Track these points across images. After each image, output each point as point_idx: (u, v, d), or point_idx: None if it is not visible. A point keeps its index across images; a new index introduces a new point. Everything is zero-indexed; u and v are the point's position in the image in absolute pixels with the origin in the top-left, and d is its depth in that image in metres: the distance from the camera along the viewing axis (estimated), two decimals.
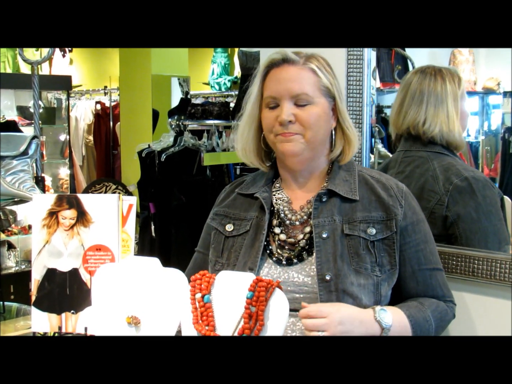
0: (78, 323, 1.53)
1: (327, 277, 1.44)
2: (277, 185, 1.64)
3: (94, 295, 1.40)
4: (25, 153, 1.82)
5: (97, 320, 1.39)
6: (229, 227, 1.60)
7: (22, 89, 5.58)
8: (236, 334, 1.21)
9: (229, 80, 7.20)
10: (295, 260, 1.51)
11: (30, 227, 5.03)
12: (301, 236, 1.53)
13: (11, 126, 4.72)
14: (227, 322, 1.25)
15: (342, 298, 1.43)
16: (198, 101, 4.97)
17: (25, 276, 4.63)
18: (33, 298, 1.55)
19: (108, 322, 1.37)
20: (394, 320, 1.42)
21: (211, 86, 7.31)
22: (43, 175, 1.99)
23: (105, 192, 4.93)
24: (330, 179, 1.56)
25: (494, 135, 2.45)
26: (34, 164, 1.90)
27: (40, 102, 6.16)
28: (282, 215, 1.57)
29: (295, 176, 1.59)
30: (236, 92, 5.62)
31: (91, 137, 6.62)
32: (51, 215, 1.54)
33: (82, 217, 1.53)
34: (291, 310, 1.43)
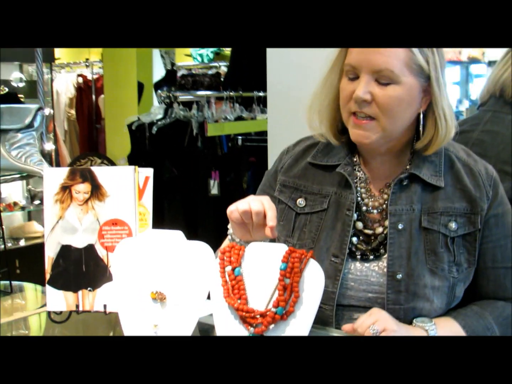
0: (96, 301, 1.49)
1: (398, 276, 1.30)
2: (354, 159, 1.43)
3: (115, 271, 1.35)
4: (30, 125, 1.73)
5: (119, 296, 1.34)
6: (300, 202, 1.42)
7: (4, 62, 5.41)
8: (270, 306, 1.18)
9: (212, 52, 7.07)
10: (371, 256, 1.35)
11: (15, 204, 4.95)
12: (380, 229, 1.36)
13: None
14: (260, 295, 1.20)
15: (411, 300, 1.29)
16: (182, 73, 4.89)
17: (11, 254, 4.58)
18: (47, 276, 1.50)
19: (131, 298, 1.32)
20: (447, 332, 1.28)
21: (193, 58, 7.19)
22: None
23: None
24: (414, 159, 1.37)
25: (476, 105, 2.43)
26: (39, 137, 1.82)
27: (21, 75, 5.99)
28: (359, 198, 1.38)
29: (373, 155, 1.39)
30: (220, 64, 5.55)
31: (73, 111, 6.49)
32: (64, 190, 1.48)
33: (96, 191, 1.47)
34: (361, 307, 1.34)
